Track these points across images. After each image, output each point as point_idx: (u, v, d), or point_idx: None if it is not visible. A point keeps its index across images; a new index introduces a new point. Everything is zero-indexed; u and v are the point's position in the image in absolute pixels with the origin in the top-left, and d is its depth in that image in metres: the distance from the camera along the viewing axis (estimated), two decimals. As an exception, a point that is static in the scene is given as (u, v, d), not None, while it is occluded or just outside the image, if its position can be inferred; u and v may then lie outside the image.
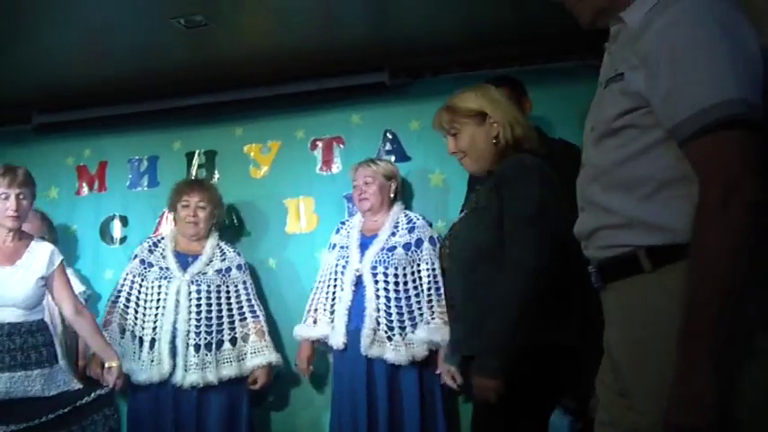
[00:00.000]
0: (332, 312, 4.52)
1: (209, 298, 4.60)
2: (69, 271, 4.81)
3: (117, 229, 5.53)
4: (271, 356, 4.65)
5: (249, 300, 4.74)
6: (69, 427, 3.69)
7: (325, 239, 4.84)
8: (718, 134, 1.66)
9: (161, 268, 4.68)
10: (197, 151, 5.47)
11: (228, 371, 4.53)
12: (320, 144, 5.18)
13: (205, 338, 4.53)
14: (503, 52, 4.74)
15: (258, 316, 4.72)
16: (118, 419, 3.91)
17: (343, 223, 4.76)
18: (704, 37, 1.72)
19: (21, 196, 3.91)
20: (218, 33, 4.49)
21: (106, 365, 4.01)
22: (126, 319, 4.63)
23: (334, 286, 4.56)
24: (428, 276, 4.37)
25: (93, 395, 3.78)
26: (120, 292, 4.70)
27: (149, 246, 4.80)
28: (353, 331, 4.35)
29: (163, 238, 4.84)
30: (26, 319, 3.89)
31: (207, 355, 4.51)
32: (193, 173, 5.40)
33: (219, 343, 4.59)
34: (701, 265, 1.66)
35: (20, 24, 4.30)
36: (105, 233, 5.53)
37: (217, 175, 5.37)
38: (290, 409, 4.99)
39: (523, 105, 4.03)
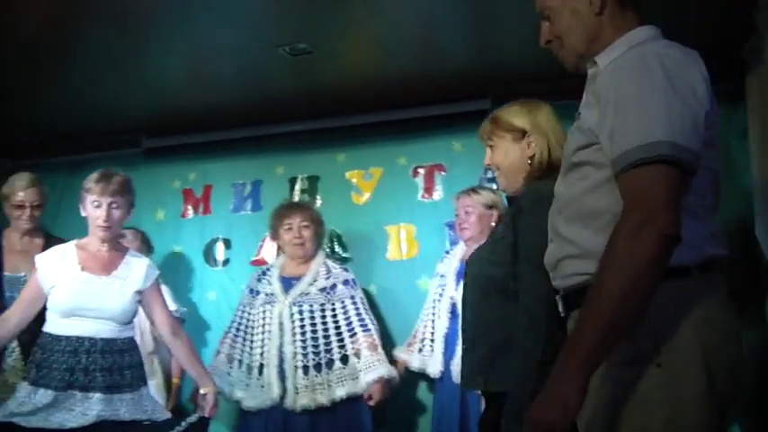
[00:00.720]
0: (431, 341, 4.50)
1: (312, 318, 4.53)
2: (163, 288, 4.93)
3: (220, 251, 5.61)
4: (384, 370, 4.48)
5: (359, 314, 4.62)
6: None
7: (426, 266, 4.85)
8: (643, 169, 1.80)
9: (266, 294, 4.66)
10: (300, 176, 5.53)
11: (341, 391, 4.42)
12: (422, 171, 5.20)
13: (313, 359, 4.46)
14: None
15: (369, 329, 4.59)
16: None
17: (447, 252, 4.75)
18: (648, 82, 1.86)
19: (113, 205, 3.72)
20: (323, 61, 4.53)
21: (201, 391, 3.89)
22: (234, 348, 4.64)
23: (433, 315, 4.57)
24: None
25: (184, 424, 3.69)
26: (232, 323, 4.75)
27: (258, 275, 4.83)
28: (449, 360, 4.33)
29: (271, 267, 4.84)
30: (119, 336, 3.70)
31: (317, 376, 4.43)
32: (296, 197, 5.45)
33: (330, 362, 4.49)
34: (603, 285, 1.79)
35: (130, 52, 4.42)
36: (209, 255, 5.63)
37: (319, 201, 5.43)
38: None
39: None
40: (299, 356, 4.45)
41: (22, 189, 4.52)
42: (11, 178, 4.60)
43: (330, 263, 4.77)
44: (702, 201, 1.94)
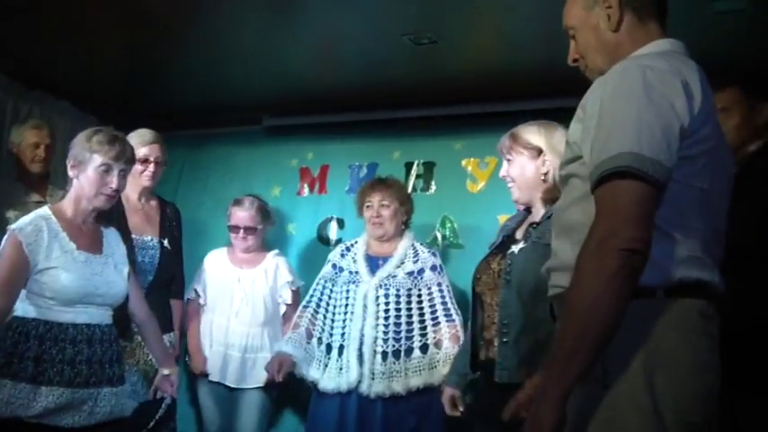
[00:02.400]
0: None
1: (398, 302, 4.36)
2: (282, 260, 5.05)
3: (333, 230, 5.72)
4: None
5: (444, 302, 4.42)
6: None
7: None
8: (609, 183, 1.81)
9: (351, 272, 4.51)
10: (416, 162, 5.59)
11: (417, 380, 4.26)
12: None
13: (393, 345, 4.31)
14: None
15: (453, 320, 4.36)
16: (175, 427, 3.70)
17: None
18: (625, 94, 1.87)
19: (123, 174, 3.32)
20: (445, 51, 4.58)
21: (166, 372, 3.65)
22: (314, 325, 4.52)
23: None
24: None
25: (164, 406, 3.58)
26: (312, 297, 4.62)
27: (342, 250, 4.67)
28: None
29: (356, 242, 4.68)
30: (110, 322, 3.34)
31: (395, 363, 4.28)
32: (411, 182, 5.53)
33: (409, 350, 4.33)
34: (569, 302, 1.80)
35: (257, 36, 4.56)
36: (322, 234, 5.74)
37: (434, 187, 5.49)
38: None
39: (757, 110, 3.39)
40: (380, 341, 4.30)
41: (146, 144, 4.34)
42: (131, 134, 4.23)
43: (418, 245, 4.60)
44: (681, 219, 1.90)
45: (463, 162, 5.42)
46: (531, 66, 4.65)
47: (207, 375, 4.77)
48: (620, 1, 2.13)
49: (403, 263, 4.47)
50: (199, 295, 4.90)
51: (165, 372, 3.66)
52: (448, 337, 4.35)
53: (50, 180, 4.75)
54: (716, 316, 1.94)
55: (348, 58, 4.89)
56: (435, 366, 4.30)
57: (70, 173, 3.30)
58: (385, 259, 4.50)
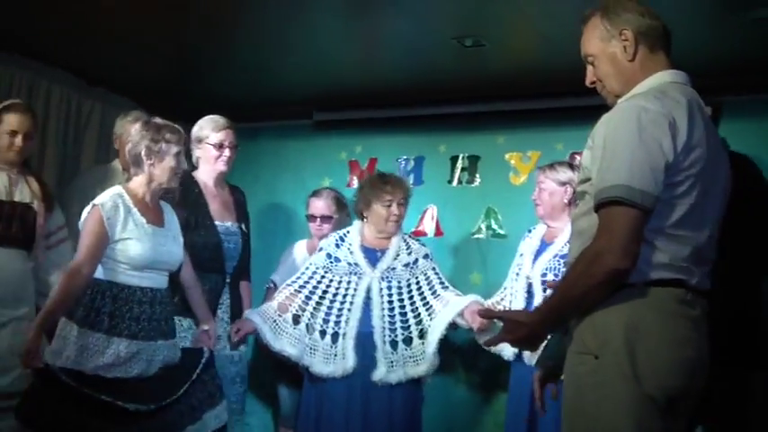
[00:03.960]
0: None
1: (400, 293, 4.45)
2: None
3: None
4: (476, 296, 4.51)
5: (440, 279, 4.57)
6: (187, 390, 3.71)
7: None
8: (609, 208, 2.24)
9: (349, 264, 4.48)
10: (461, 155, 5.79)
11: (423, 367, 4.37)
12: (578, 157, 5.33)
13: (402, 334, 4.39)
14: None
15: (448, 287, 4.55)
16: (218, 384, 3.89)
17: (530, 231, 4.68)
18: (623, 133, 2.26)
19: (184, 156, 3.85)
20: (490, 52, 4.77)
21: (205, 327, 4.03)
22: (304, 311, 4.44)
23: (511, 294, 4.53)
24: None
25: (202, 364, 3.80)
26: (303, 282, 4.51)
27: (336, 240, 4.60)
28: None
29: (348, 233, 4.63)
30: (166, 286, 3.82)
31: (406, 350, 4.38)
32: (456, 175, 5.75)
33: (422, 333, 4.43)
34: (563, 284, 2.37)
35: (306, 31, 4.72)
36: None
37: (478, 179, 5.69)
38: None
39: None
40: (387, 331, 4.36)
41: (220, 129, 4.41)
42: (202, 121, 4.46)
43: (408, 238, 4.69)
44: (666, 231, 2.29)
45: (506, 156, 5.60)
46: (570, 65, 4.71)
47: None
48: (636, 36, 2.49)
49: (399, 255, 4.54)
50: (276, 286, 4.89)
51: (205, 327, 4.05)
52: (453, 296, 4.49)
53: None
54: (696, 302, 2.34)
55: (397, 58, 5.06)
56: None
57: (146, 162, 3.74)
58: (383, 252, 4.55)
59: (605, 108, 2.52)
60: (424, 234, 5.68)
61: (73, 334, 3.53)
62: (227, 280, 4.43)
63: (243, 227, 4.55)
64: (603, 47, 2.53)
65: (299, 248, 5.30)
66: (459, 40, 4.61)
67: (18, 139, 4.11)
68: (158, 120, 3.85)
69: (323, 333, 4.39)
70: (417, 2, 4.18)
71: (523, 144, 5.56)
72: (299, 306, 4.43)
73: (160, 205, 3.87)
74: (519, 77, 5.16)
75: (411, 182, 5.80)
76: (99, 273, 3.62)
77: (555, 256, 4.34)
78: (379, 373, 4.28)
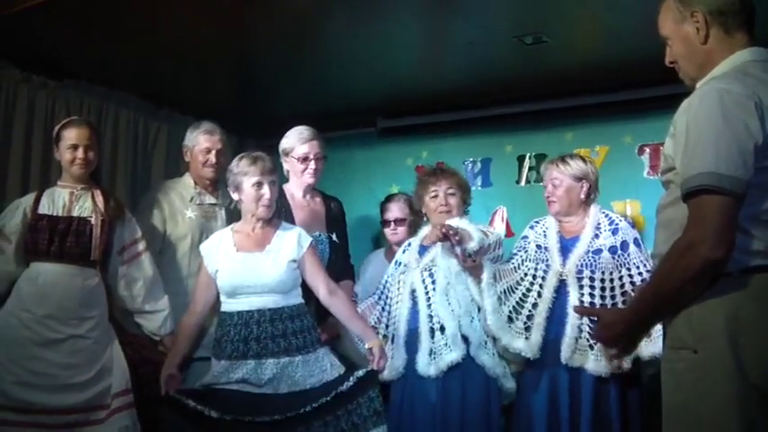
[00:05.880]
0: (528, 319, 4.14)
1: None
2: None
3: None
4: None
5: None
6: (335, 413, 3.65)
7: (652, 240, 4.90)
8: (698, 198, 2.17)
9: (404, 264, 4.48)
10: (528, 154, 5.76)
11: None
12: (648, 149, 5.30)
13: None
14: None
15: None
16: (381, 402, 3.77)
17: (537, 222, 4.46)
18: (705, 118, 2.20)
19: (273, 184, 3.90)
20: (552, 48, 4.73)
21: (367, 346, 3.93)
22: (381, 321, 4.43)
23: (530, 291, 4.22)
24: (639, 281, 3.99)
25: (352, 379, 3.71)
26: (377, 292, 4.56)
27: (404, 248, 4.59)
28: (552, 341, 4.04)
29: (415, 239, 4.56)
30: (286, 304, 3.84)
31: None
32: (524, 175, 5.70)
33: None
34: (655, 278, 2.33)
35: (368, 40, 4.76)
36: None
37: (544, 183, 5.60)
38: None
39: None
40: (435, 323, 4.19)
41: (305, 142, 4.42)
42: (289, 133, 4.48)
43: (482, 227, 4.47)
44: (760, 218, 2.22)
45: (574, 152, 5.49)
46: (633, 57, 4.72)
47: None
48: (707, 17, 2.40)
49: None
50: (358, 297, 4.84)
51: (367, 345, 3.95)
52: None
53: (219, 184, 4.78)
54: None
55: (457, 60, 5.06)
56: None
57: (233, 197, 3.98)
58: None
59: (672, 98, 2.47)
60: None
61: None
62: None
63: (333, 236, 4.51)
64: (676, 28, 2.48)
65: (377, 258, 5.33)
66: (520, 38, 4.58)
67: (79, 152, 4.10)
68: (248, 152, 4.02)
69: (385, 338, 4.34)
70: (476, 3, 4.15)
71: (591, 139, 5.49)
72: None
73: (274, 231, 3.96)
74: (582, 72, 5.11)
75: (479, 184, 5.80)
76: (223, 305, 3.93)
77: (587, 252, 4.11)
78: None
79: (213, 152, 4.67)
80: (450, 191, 4.42)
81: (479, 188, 5.86)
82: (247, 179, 3.85)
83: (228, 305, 3.86)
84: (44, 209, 4.05)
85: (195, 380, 4.03)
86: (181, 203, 4.63)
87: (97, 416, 3.93)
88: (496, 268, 4.21)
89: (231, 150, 4.81)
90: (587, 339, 3.95)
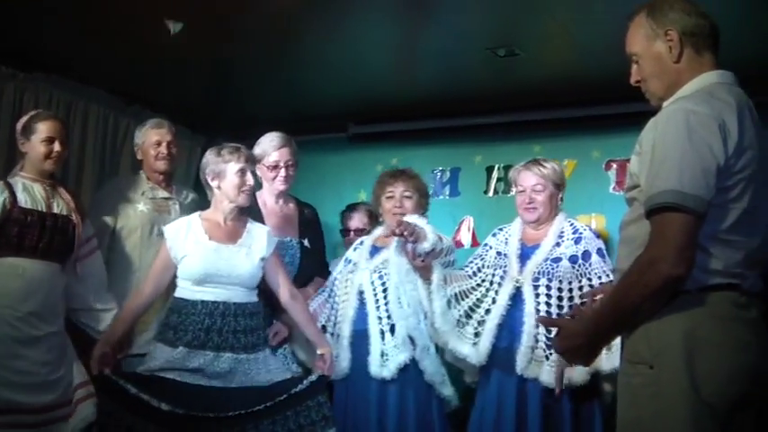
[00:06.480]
0: (479, 324, 4.08)
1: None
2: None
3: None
4: None
5: None
6: (284, 413, 3.66)
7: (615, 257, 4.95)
8: (661, 215, 2.17)
9: (353, 263, 4.40)
10: (497, 165, 5.79)
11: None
12: (615, 165, 5.36)
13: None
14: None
15: None
16: (330, 407, 3.80)
17: (501, 229, 4.37)
18: (671, 137, 2.21)
19: (254, 174, 3.92)
20: (526, 61, 4.78)
21: (319, 352, 3.92)
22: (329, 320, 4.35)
23: (485, 297, 4.15)
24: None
25: (306, 383, 3.72)
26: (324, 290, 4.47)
27: (356, 246, 4.55)
28: (503, 349, 3.98)
29: (368, 238, 4.52)
30: (249, 300, 3.84)
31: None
32: (492, 185, 5.74)
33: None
34: (616, 292, 2.31)
35: (344, 46, 4.78)
36: (407, 235, 5.90)
37: (514, 189, 5.60)
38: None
39: None
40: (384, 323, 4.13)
41: (276, 149, 4.36)
42: (261, 139, 4.42)
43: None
44: (720, 236, 2.23)
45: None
46: (604, 73, 4.73)
47: None
48: (681, 37, 2.40)
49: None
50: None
51: (319, 351, 3.94)
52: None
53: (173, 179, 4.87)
54: (751, 304, 2.27)
55: (430, 70, 5.10)
56: None
57: (212, 184, 3.88)
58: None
59: (641, 115, 2.48)
60: (461, 245, 5.67)
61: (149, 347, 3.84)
62: None
63: (305, 241, 4.48)
64: (648, 46, 2.45)
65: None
66: (493, 50, 4.62)
67: (56, 146, 4.03)
68: (226, 144, 3.97)
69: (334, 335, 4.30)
70: (450, 13, 4.18)
71: (559, 153, 5.49)
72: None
73: (244, 225, 3.95)
74: (553, 86, 5.16)
75: (447, 193, 5.82)
76: (178, 292, 3.84)
77: (546, 260, 4.03)
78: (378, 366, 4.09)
79: (164, 144, 4.66)
80: (407, 193, 4.37)
81: (447, 197, 5.90)
82: (231, 166, 3.83)
83: (191, 293, 3.77)
84: (26, 203, 3.96)
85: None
86: (133, 196, 4.61)
87: (68, 411, 3.95)
88: (447, 272, 4.18)
89: (184, 145, 4.81)
90: (543, 350, 3.89)
